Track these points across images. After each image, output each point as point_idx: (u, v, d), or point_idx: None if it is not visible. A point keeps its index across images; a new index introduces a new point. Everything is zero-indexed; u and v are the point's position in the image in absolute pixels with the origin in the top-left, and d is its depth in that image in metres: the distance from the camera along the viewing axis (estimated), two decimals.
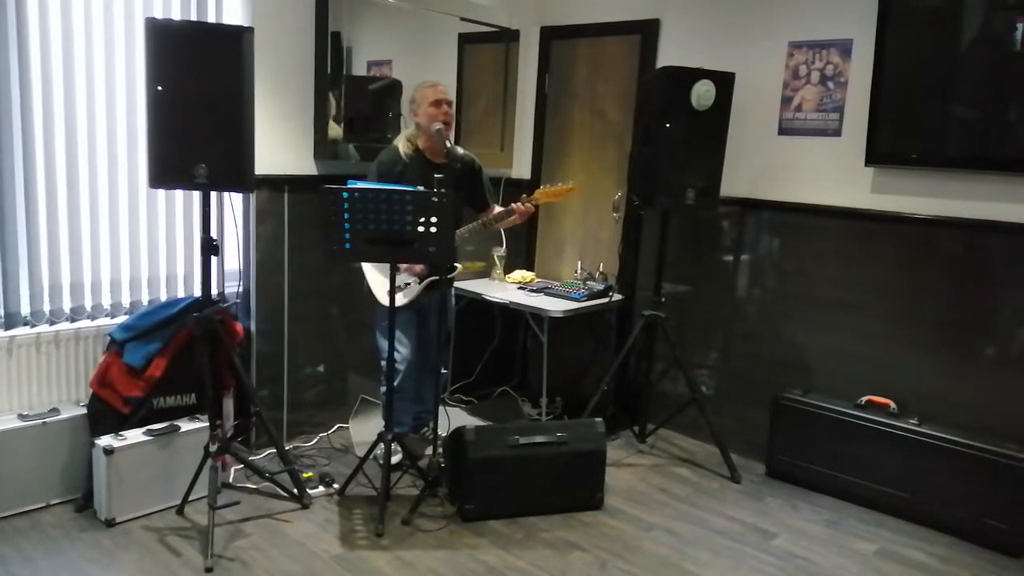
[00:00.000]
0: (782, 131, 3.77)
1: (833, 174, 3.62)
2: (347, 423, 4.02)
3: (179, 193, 3.47)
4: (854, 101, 3.54)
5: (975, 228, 3.28)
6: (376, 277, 3.47)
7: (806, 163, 3.71)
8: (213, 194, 3.18)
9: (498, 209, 3.64)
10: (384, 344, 3.36)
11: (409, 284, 3.43)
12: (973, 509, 3.18)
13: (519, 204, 3.48)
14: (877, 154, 3.46)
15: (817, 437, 3.57)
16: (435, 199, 2.93)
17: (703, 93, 3.55)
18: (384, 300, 3.37)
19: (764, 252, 3.90)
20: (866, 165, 3.50)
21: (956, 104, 3.29)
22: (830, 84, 3.61)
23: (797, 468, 3.65)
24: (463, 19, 4.26)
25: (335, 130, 3.80)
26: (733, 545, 3.12)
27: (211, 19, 3.42)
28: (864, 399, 3.52)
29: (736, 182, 3.85)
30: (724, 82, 3.61)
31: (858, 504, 3.47)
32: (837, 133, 3.60)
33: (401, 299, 3.40)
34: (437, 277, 3.38)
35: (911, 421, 3.36)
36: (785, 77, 3.73)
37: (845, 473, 3.50)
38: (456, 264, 3.41)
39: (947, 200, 3.34)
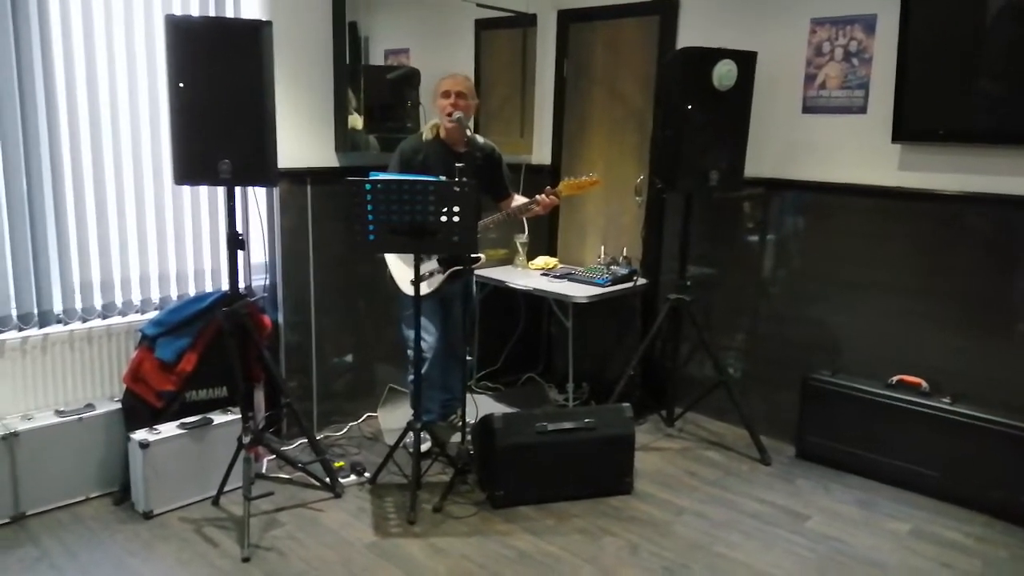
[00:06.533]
0: (806, 109, 3.72)
1: (859, 152, 3.57)
2: (376, 412, 4.06)
3: (204, 188, 3.50)
4: (879, 77, 3.48)
5: (1004, 203, 3.22)
6: (398, 267, 3.48)
7: (831, 141, 3.65)
8: (238, 189, 3.20)
9: (520, 199, 3.63)
10: (409, 334, 3.38)
11: (433, 273, 3.43)
12: (1009, 488, 3.14)
13: (543, 196, 3.47)
14: (904, 131, 3.41)
15: (848, 417, 3.54)
16: (458, 189, 2.93)
17: (725, 73, 3.51)
18: (406, 289, 3.39)
19: (790, 232, 3.86)
20: (893, 142, 3.45)
21: (983, 78, 3.22)
22: (854, 60, 3.55)
23: (828, 449, 3.63)
24: (479, 4, 4.24)
25: (355, 120, 3.80)
26: (765, 527, 3.11)
27: (229, 14, 3.44)
28: (895, 378, 3.49)
29: (760, 162, 3.81)
30: (746, 61, 3.57)
31: (891, 484, 3.45)
32: (862, 110, 3.55)
33: (424, 288, 3.41)
34: (460, 266, 3.39)
35: (944, 400, 3.33)
36: (808, 54, 3.68)
37: (877, 453, 3.48)
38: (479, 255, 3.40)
39: (975, 176, 3.28)
